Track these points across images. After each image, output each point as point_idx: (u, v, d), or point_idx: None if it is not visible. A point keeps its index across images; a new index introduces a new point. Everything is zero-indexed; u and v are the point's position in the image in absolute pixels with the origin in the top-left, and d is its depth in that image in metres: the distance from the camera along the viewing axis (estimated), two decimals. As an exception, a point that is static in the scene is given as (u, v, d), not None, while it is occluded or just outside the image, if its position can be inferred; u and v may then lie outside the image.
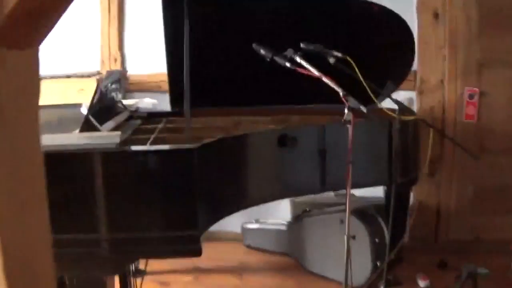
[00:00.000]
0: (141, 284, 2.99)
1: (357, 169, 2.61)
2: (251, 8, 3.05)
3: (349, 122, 2.50)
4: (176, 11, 3.03)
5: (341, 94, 2.54)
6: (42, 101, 3.24)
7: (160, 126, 3.11)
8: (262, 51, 2.83)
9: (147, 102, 3.71)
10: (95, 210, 2.12)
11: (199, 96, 3.30)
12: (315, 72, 2.67)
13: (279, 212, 4.26)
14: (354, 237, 2.46)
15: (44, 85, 3.36)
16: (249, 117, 3.23)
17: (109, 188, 2.14)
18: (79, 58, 4.84)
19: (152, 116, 3.48)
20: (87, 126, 2.56)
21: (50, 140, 2.35)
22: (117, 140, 2.25)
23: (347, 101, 2.52)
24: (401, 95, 3.89)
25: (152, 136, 2.62)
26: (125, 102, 3.53)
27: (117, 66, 4.67)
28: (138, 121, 3.24)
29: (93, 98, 2.57)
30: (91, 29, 4.77)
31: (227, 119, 3.21)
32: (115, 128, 2.82)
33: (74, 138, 2.34)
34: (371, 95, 2.70)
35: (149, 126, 3.09)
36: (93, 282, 2.23)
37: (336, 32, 3.00)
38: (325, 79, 2.63)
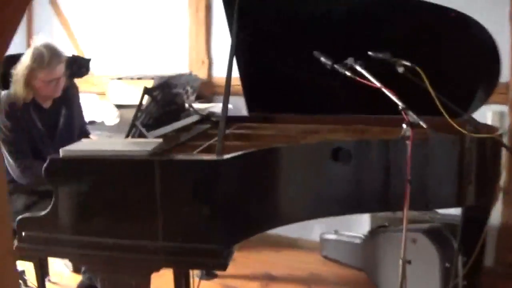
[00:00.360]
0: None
1: (420, 189, 2.40)
2: (319, 13, 2.88)
3: (408, 138, 2.30)
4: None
5: (399, 107, 2.35)
6: (130, 101, 3.30)
7: (227, 131, 3.03)
8: (323, 59, 2.70)
9: (219, 107, 3.67)
10: (117, 216, 2.15)
11: (271, 101, 3.30)
12: (375, 82, 2.49)
13: (358, 224, 4.09)
14: (409, 262, 2.23)
15: (133, 86, 3.43)
16: (327, 126, 3.10)
17: (132, 196, 2.14)
18: (168, 61, 4.92)
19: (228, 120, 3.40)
20: (133, 131, 2.56)
21: (88, 145, 2.38)
22: (149, 148, 2.19)
23: (406, 115, 2.32)
24: (492, 109, 3.58)
25: (206, 143, 2.56)
26: (197, 106, 3.51)
27: (204, 69, 4.71)
28: (206, 126, 3.17)
29: (140, 103, 2.53)
30: (180, 32, 4.83)
31: (303, 127, 3.11)
32: (175, 132, 2.85)
33: (108, 145, 2.34)
34: (441, 108, 2.45)
35: (215, 131, 3.03)
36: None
37: (406, 40, 2.76)
38: (385, 90, 2.44)
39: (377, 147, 2.53)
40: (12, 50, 3.05)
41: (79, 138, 3.13)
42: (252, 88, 3.37)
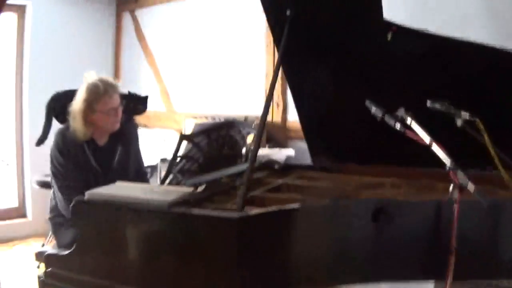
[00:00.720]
0: None
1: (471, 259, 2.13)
2: (378, 58, 2.67)
3: (455, 201, 2.04)
4: (297, 60, 2.86)
5: (447, 167, 2.09)
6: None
7: (279, 181, 2.89)
8: (373, 109, 2.48)
9: (282, 154, 3.53)
10: (134, 263, 2.11)
11: (336, 150, 3.11)
12: (425, 138, 2.25)
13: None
14: None
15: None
16: (392, 179, 2.87)
17: (146, 245, 2.10)
18: (244, 102, 4.85)
19: (287, 169, 3.27)
20: (170, 178, 2.48)
21: (114, 189, 2.32)
22: (171, 198, 2.10)
23: (455, 175, 2.06)
24: None
25: (247, 194, 2.40)
26: (266, 151, 3.39)
27: (279, 112, 4.58)
28: (263, 173, 3.03)
29: (176, 150, 2.44)
30: (258, 74, 4.76)
31: (366, 180, 2.91)
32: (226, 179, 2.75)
33: (133, 191, 2.28)
34: (500, 167, 2.18)
35: (268, 180, 2.89)
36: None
37: (469, 86, 2.50)
38: (434, 147, 2.20)
39: (423, 208, 2.26)
40: None
41: (135, 178, 3.10)
42: (314, 136, 3.21)
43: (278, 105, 4.62)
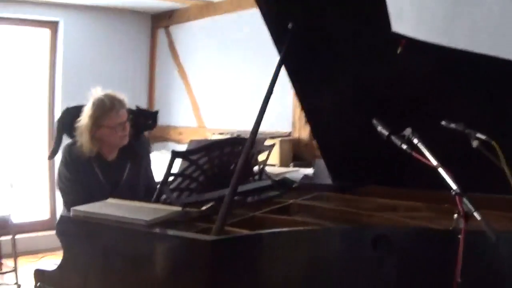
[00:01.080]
0: None
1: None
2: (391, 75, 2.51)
3: (459, 231, 1.85)
4: (304, 76, 2.73)
5: (453, 192, 1.91)
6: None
7: (290, 201, 2.76)
8: (379, 128, 2.31)
9: (299, 172, 3.37)
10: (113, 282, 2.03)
11: (355, 171, 2.96)
12: (431, 160, 2.07)
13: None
14: None
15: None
16: (410, 203, 2.70)
17: (124, 264, 2.01)
18: (272, 118, 4.72)
19: (305, 188, 3.12)
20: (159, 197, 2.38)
21: (99, 207, 2.28)
22: (153, 216, 2.02)
23: (460, 202, 1.87)
24: None
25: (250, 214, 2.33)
26: (271, 170, 3.26)
27: (307, 129, 4.43)
28: (275, 193, 2.90)
29: (168, 168, 2.33)
30: (286, 90, 4.62)
31: (382, 202, 2.76)
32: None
33: (117, 209, 2.21)
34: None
35: (278, 199, 2.76)
36: None
37: (483, 106, 2.31)
38: (441, 171, 2.02)
39: (428, 237, 2.07)
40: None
41: (145, 194, 3.01)
42: (331, 155, 3.08)
43: (307, 121, 4.46)
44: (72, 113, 3.13)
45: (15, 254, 4.38)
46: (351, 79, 2.59)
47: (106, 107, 2.92)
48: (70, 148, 2.99)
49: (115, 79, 5.67)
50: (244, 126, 4.93)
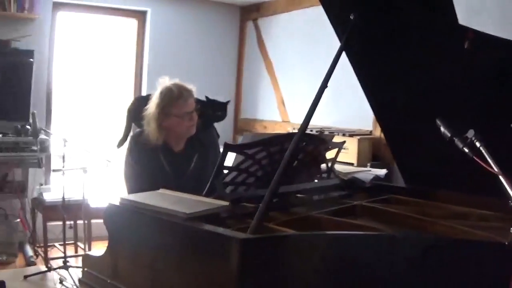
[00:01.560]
0: None
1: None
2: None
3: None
4: (372, 74, 2.60)
5: (511, 202, 1.75)
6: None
7: (355, 202, 2.65)
8: (442, 129, 2.16)
9: (371, 172, 3.21)
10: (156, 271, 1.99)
11: (430, 174, 2.79)
12: (493, 166, 1.91)
13: None
14: None
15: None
16: (484, 212, 2.51)
17: (164, 254, 1.97)
18: (352, 116, 4.60)
19: (377, 189, 3.00)
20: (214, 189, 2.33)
21: (145, 197, 2.26)
22: (194, 210, 2.00)
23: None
24: None
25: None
26: (341, 169, 3.13)
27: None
28: (342, 193, 2.81)
29: (220, 161, 2.28)
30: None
31: (455, 209, 2.59)
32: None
33: (161, 200, 2.18)
34: None
35: (343, 200, 2.66)
36: None
37: None
38: (502, 179, 1.85)
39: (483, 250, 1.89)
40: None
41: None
42: (403, 158, 2.93)
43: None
44: (142, 102, 3.16)
45: (89, 238, 4.51)
46: (416, 74, 2.42)
47: (174, 95, 2.92)
48: (136, 137, 3.03)
49: (202, 71, 5.74)
50: (329, 121, 4.83)
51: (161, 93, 2.95)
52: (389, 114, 2.77)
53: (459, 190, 2.65)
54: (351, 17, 2.30)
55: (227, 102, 3.33)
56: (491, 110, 2.25)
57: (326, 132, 4.48)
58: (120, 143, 3.34)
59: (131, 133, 3.19)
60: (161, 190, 2.42)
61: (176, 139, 3.04)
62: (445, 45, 2.21)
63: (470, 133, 2.03)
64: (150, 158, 2.98)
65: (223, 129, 3.41)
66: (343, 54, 2.45)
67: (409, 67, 2.44)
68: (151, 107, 2.96)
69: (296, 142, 2.12)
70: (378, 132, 4.35)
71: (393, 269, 1.84)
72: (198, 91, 3.06)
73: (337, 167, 3.05)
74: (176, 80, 3.01)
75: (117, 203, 2.20)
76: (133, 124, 3.30)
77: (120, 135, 3.33)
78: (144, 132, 3.00)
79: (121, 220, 2.18)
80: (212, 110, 3.25)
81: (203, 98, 3.22)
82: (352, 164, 4.22)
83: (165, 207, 2.06)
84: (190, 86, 3.00)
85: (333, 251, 1.84)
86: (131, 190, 2.95)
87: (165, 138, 3.00)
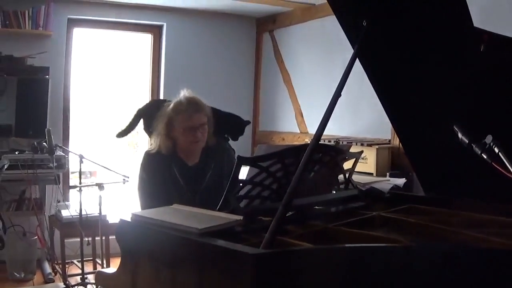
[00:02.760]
0: None
1: None
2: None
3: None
4: (387, 80, 2.54)
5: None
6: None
7: (374, 213, 2.59)
8: (460, 135, 2.10)
9: (391, 182, 3.14)
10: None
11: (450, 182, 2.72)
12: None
13: None
14: None
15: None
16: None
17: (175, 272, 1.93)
18: (371, 125, 4.54)
19: (396, 199, 2.94)
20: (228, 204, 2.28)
21: (157, 213, 2.22)
22: (202, 226, 1.93)
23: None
24: None
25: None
26: (359, 179, 3.07)
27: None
28: (361, 204, 2.75)
29: (233, 175, 2.23)
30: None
31: (478, 218, 2.52)
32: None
33: (173, 216, 2.15)
34: None
35: (364, 211, 2.61)
36: None
37: None
38: None
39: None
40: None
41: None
42: (422, 166, 2.86)
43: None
44: (155, 105, 3.16)
45: (107, 254, 4.48)
46: (432, 80, 2.36)
47: (181, 109, 2.91)
48: (149, 154, 3.02)
49: (219, 84, 5.73)
50: (347, 132, 4.77)
51: (173, 103, 2.96)
52: (406, 122, 2.71)
53: (480, 198, 2.58)
54: (364, 23, 2.25)
55: (247, 123, 3.31)
56: (510, 114, 2.18)
57: (344, 142, 4.41)
58: (120, 135, 3.29)
59: (146, 149, 3.16)
60: (174, 206, 2.37)
61: (186, 152, 3.02)
62: (461, 49, 2.15)
63: (488, 139, 1.97)
64: (164, 172, 2.97)
65: (241, 141, 3.37)
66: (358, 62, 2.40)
67: (424, 73, 2.38)
68: (161, 116, 2.97)
69: (310, 153, 2.06)
70: (397, 141, 4.27)
71: (413, 280, 1.78)
72: (216, 104, 3.05)
73: (356, 177, 2.99)
74: (192, 94, 2.99)
75: (129, 219, 2.16)
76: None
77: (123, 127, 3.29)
78: (154, 149, 2.99)
79: (133, 237, 2.14)
80: (229, 126, 3.23)
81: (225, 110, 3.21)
82: (371, 174, 4.15)
83: (177, 222, 2.01)
84: (203, 102, 2.98)
85: (350, 264, 1.78)
86: (145, 205, 2.93)
87: (178, 151, 2.99)
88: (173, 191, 2.95)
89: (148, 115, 3.11)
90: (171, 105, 2.95)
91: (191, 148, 2.98)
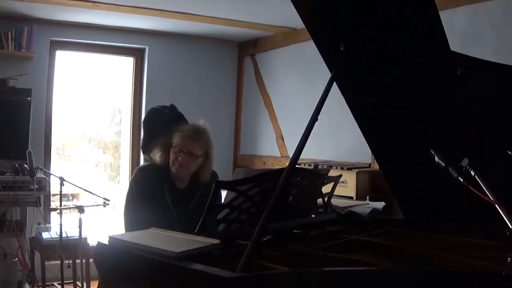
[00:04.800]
0: None
1: None
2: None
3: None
4: (365, 105, 2.58)
5: (507, 231, 1.72)
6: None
7: (352, 237, 2.60)
8: (437, 159, 2.13)
9: (370, 206, 3.18)
10: None
11: (427, 204, 2.75)
12: (488, 194, 1.88)
13: None
14: None
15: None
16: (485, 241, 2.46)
17: None
18: (350, 149, 4.57)
19: (375, 222, 2.96)
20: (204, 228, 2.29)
21: (136, 236, 2.23)
22: (179, 249, 1.93)
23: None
24: None
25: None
26: (338, 203, 3.09)
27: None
28: (339, 227, 2.77)
29: (211, 198, 2.25)
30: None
31: (457, 240, 2.54)
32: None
33: (151, 239, 2.14)
34: None
35: (342, 235, 2.62)
36: None
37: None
38: (499, 208, 1.82)
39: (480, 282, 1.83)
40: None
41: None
42: (400, 189, 2.89)
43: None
44: (154, 113, 3.26)
45: (88, 277, 4.45)
46: (409, 104, 2.40)
47: (182, 128, 3.03)
48: (142, 169, 3.09)
49: (201, 107, 5.72)
50: (327, 155, 4.80)
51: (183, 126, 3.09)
52: (384, 146, 2.75)
53: (458, 220, 2.60)
54: (341, 48, 2.29)
55: None
56: (486, 137, 2.22)
57: (324, 166, 4.44)
58: (143, 148, 3.46)
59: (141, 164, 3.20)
60: (152, 229, 2.37)
61: (175, 175, 3.03)
62: (438, 73, 2.20)
63: (465, 162, 2.00)
64: (154, 186, 3.01)
65: (222, 166, 3.39)
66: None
67: (401, 96, 2.42)
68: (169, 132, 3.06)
69: (286, 177, 2.08)
70: (377, 165, 4.30)
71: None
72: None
73: (335, 201, 3.02)
74: (207, 127, 3.09)
75: (106, 242, 2.15)
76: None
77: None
78: (153, 158, 3.06)
79: (111, 260, 2.13)
80: None
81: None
82: (351, 198, 4.17)
83: (154, 246, 2.02)
84: (210, 139, 3.08)
85: (326, 287, 1.79)
86: (130, 220, 2.96)
87: (170, 172, 3.00)
88: (159, 208, 2.97)
89: (151, 121, 3.19)
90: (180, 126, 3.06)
91: (174, 170, 3.00)
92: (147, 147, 3.26)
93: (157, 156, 3.03)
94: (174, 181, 3.04)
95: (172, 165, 2.99)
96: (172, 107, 3.64)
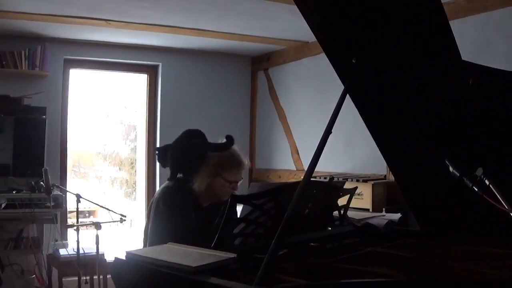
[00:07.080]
0: None
1: None
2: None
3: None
4: (378, 117, 2.58)
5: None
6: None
7: (368, 249, 2.59)
8: (451, 169, 2.12)
9: (385, 218, 3.15)
10: None
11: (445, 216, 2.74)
12: (504, 204, 1.86)
13: None
14: None
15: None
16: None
17: None
18: (366, 161, 4.56)
19: (389, 235, 2.94)
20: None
21: (152, 251, 2.23)
22: (196, 264, 1.94)
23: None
24: None
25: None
26: (354, 215, 3.07)
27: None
28: (355, 240, 2.76)
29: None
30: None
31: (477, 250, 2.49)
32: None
33: (168, 254, 2.15)
34: None
35: (359, 247, 2.61)
36: None
37: None
38: None
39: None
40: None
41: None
42: (416, 201, 2.87)
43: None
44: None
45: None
46: (422, 115, 2.40)
47: (235, 160, 2.96)
48: (183, 188, 2.95)
49: (215, 123, 5.75)
50: (343, 168, 4.79)
51: (227, 154, 2.97)
52: (399, 158, 2.74)
53: (475, 231, 2.59)
54: (354, 61, 2.29)
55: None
56: (500, 146, 2.21)
57: (339, 179, 4.43)
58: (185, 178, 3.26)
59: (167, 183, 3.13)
60: (169, 244, 2.38)
61: (208, 197, 3.00)
62: (450, 83, 2.19)
63: (479, 171, 1.99)
64: (186, 210, 2.91)
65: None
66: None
67: (414, 108, 2.42)
68: (212, 160, 2.95)
69: (301, 190, 2.08)
70: (392, 177, 4.29)
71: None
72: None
73: (351, 213, 3.00)
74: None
75: (124, 258, 2.16)
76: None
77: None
78: (191, 183, 2.95)
79: (128, 275, 2.13)
80: None
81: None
82: (367, 210, 4.16)
83: (171, 260, 2.02)
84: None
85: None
86: (155, 240, 2.89)
87: (194, 192, 2.97)
88: (188, 231, 2.91)
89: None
90: (226, 154, 2.97)
91: (223, 199, 2.97)
92: (189, 176, 3.13)
93: (201, 185, 2.93)
94: (199, 201, 3.02)
95: (224, 195, 2.96)
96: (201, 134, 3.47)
